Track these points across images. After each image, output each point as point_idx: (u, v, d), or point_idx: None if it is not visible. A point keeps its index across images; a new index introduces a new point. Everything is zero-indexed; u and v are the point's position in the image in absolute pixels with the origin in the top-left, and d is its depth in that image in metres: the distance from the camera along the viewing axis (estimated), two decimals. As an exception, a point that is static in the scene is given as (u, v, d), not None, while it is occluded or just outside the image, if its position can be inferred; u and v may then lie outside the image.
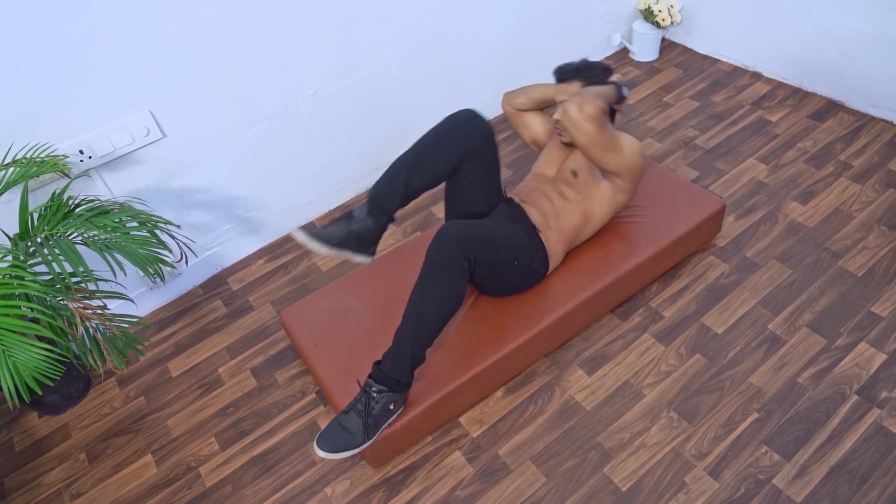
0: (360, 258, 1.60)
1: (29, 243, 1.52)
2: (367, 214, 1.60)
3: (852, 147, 2.32)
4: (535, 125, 2.00)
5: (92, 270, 1.50)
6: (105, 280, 1.74)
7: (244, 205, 2.21)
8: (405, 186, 1.61)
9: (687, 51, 2.96)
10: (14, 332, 1.37)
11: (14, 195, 1.72)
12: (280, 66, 2.00)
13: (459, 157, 1.64)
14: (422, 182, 1.64)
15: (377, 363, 1.53)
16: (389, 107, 2.36)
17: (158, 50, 1.76)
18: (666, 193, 2.00)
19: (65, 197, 1.59)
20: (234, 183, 2.14)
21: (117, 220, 1.58)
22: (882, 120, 2.40)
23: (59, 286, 1.50)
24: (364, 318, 1.82)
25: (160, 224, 1.65)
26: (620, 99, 1.77)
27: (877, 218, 2.06)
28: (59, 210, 1.56)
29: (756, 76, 2.73)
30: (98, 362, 1.55)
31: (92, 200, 1.64)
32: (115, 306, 2.06)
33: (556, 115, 1.70)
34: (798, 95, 2.58)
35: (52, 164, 1.60)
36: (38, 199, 1.76)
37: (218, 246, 2.24)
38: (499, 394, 1.77)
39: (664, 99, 2.70)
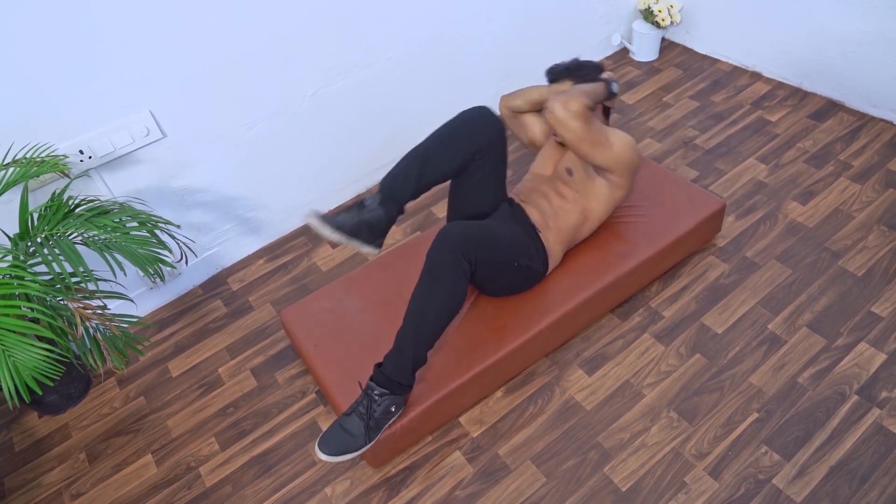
0: (367, 248, 1.59)
1: (29, 243, 1.52)
2: (378, 204, 1.59)
3: (852, 147, 2.32)
4: (532, 127, 2.00)
5: (92, 270, 1.50)
6: (105, 280, 1.74)
7: (244, 205, 2.21)
8: (418, 179, 1.61)
9: (687, 51, 2.96)
10: (14, 332, 1.37)
11: (14, 195, 1.72)
12: (280, 66, 2.00)
13: (471, 153, 1.63)
14: (434, 175, 1.63)
15: (378, 365, 1.53)
16: (389, 107, 2.36)
17: (158, 50, 1.76)
18: (666, 193, 2.00)
19: (65, 197, 1.59)
20: (234, 183, 2.14)
21: (117, 220, 1.58)
22: (882, 120, 2.40)
23: (59, 286, 1.50)
24: (364, 318, 1.82)
25: (160, 224, 1.65)
26: (611, 95, 1.78)
27: (877, 218, 2.06)
28: (59, 210, 1.56)
29: (756, 76, 2.73)
30: (98, 362, 1.55)
31: (92, 200, 1.64)
32: (115, 306, 2.06)
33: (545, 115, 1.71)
34: (798, 95, 2.59)
35: (52, 164, 1.60)
36: (38, 199, 1.76)
37: (218, 246, 2.24)
38: (499, 394, 1.77)
39: (664, 99, 2.70)
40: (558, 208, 1.78)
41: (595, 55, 2.99)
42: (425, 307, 1.50)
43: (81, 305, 1.48)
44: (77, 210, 1.59)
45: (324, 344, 1.77)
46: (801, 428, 1.59)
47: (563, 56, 2.77)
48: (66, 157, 1.70)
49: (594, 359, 1.82)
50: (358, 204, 1.60)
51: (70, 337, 1.51)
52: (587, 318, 1.85)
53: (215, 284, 2.25)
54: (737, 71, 2.78)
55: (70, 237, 1.54)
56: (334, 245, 2.32)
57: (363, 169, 2.44)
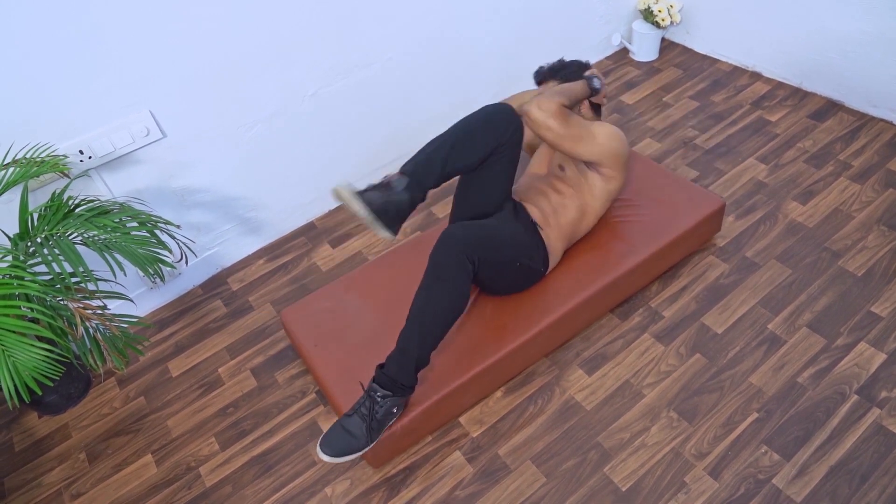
0: (386, 233, 1.55)
1: (29, 243, 1.52)
2: (404, 188, 1.56)
3: (852, 147, 2.32)
4: (527, 130, 2.01)
5: (92, 270, 1.50)
6: (105, 280, 1.74)
7: (244, 205, 2.21)
8: (443, 167, 1.59)
9: (687, 51, 2.96)
10: (14, 332, 1.37)
11: (14, 195, 1.72)
12: (280, 66, 2.00)
13: (494, 147, 1.62)
14: (457, 164, 1.61)
15: (380, 366, 1.53)
16: (389, 107, 2.36)
17: (158, 50, 1.76)
18: (665, 192, 2.00)
19: (65, 197, 1.59)
20: (234, 183, 2.14)
21: (117, 220, 1.58)
22: (882, 120, 2.40)
23: (59, 286, 1.50)
24: (364, 318, 1.82)
25: (160, 224, 1.65)
26: (593, 91, 1.79)
27: (876, 218, 2.06)
28: (59, 210, 1.56)
29: (756, 76, 2.73)
30: (98, 362, 1.55)
31: (92, 200, 1.64)
32: (115, 306, 2.06)
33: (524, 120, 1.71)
34: (798, 95, 2.59)
35: (52, 164, 1.60)
36: (38, 199, 1.76)
37: (218, 246, 2.24)
38: (499, 394, 1.78)
39: (664, 99, 2.70)
40: (557, 205, 1.79)
41: (595, 55, 2.99)
42: (429, 308, 1.50)
43: (81, 305, 1.48)
44: (77, 210, 1.59)
45: (324, 344, 1.78)
46: (800, 428, 1.59)
47: (564, 56, 2.76)
48: (66, 157, 1.70)
49: (594, 359, 1.82)
50: (385, 185, 1.57)
51: (70, 337, 1.51)
52: (587, 318, 1.85)
53: (215, 284, 2.25)
54: (737, 71, 2.78)
55: (70, 237, 1.54)
56: (335, 245, 2.32)
57: (363, 169, 2.44)
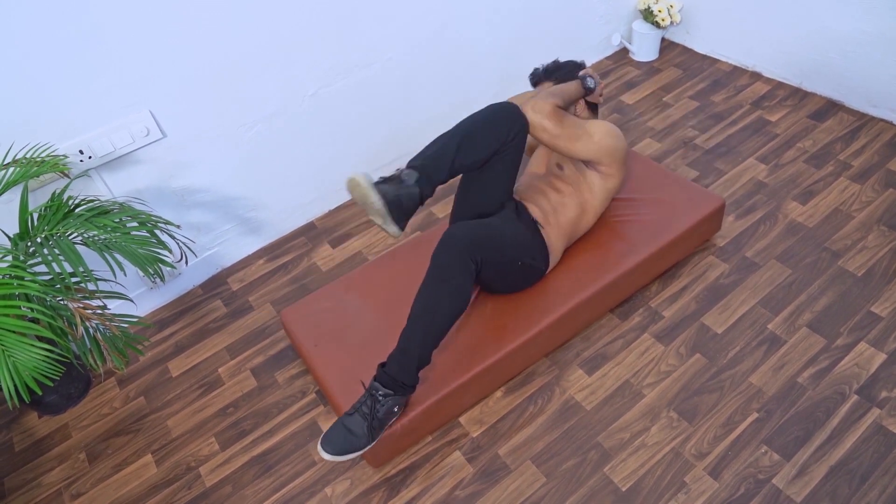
0: (394, 228, 1.54)
1: (29, 243, 1.52)
2: (415, 182, 1.55)
3: (852, 147, 2.32)
4: None
5: (92, 270, 1.50)
6: (105, 280, 1.74)
7: (244, 205, 2.21)
8: (451, 163, 1.58)
9: (687, 51, 2.96)
10: (14, 332, 1.37)
11: (14, 195, 1.72)
12: (280, 66, 2.00)
13: (500, 145, 1.62)
14: (466, 160, 1.60)
15: (382, 365, 1.53)
16: (389, 107, 2.36)
17: (158, 50, 1.76)
18: (665, 192, 2.00)
19: (65, 197, 1.59)
20: (234, 183, 2.14)
21: (117, 220, 1.58)
22: (882, 120, 2.40)
23: (59, 286, 1.50)
24: (364, 317, 1.82)
25: (160, 224, 1.65)
26: (587, 91, 1.80)
27: (876, 218, 2.06)
28: (59, 210, 1.56)
29: (756, 76, 2.73)
30: (98, 362, 1.55)
31: (92, 200, 1.64)
32: (115, 306, 2.06)
33: None
34: (798, 95, 2.59)
35: (52, 164, 1.60)
36: (38, 199, 1.76)
37: (218, 246, 2.24)
38: (499, 394, 1.78)
39: (664, 99, 2.70)
40: (557, 204, 1.79)
41: (595, 55, 2.99)
42: (432, 308, 1.50)
43: (81, 305, 1.48)
44: (77, 210, 1.59)
45: (324, 344, 1.78)
46: (800, 428, 1.59)
47: (563, 56, 2.77)
48: (66, 157, 1.71)
49: (594, 359, 1.82)
50: (395, 178, 1.55)
51: (70, 337, 1.51)
52: (587, 318, 1.85)
53: (215, 284, 2.25)
54: (737, 71, 2.78)
55: (70, 237, 1.54)
56: (335, 245, 2.32)
57: (363, 169, 2.44)
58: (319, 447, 1.46)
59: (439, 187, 1.83)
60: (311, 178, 2.32)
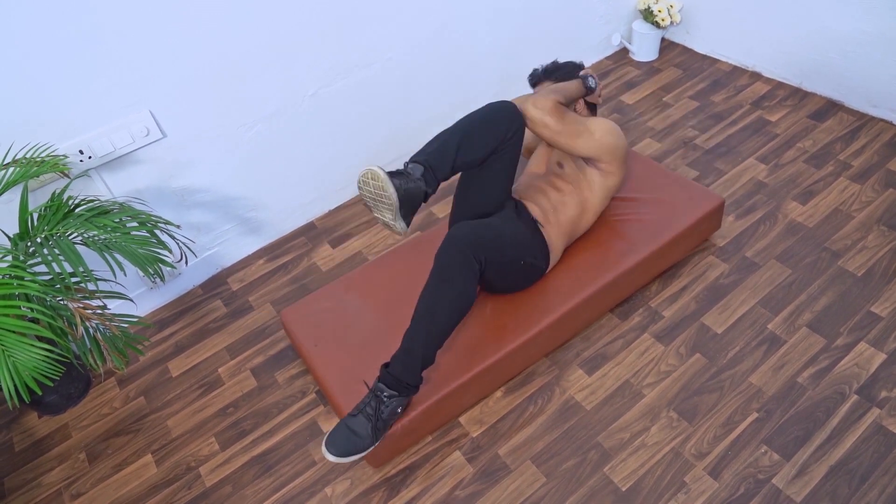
0: (402, 224, 1.54)
1: (29, 243, 1.52)
2: (421, 175, 1.54)
3: (852, 147, 2.32)
4: (526, 131, 2.01)
5: (92, 270, 1.50)
6: (105, 280, 1.74)
7: (244, 205, 2.21)
8: (453, 160, 1.58)
9: (687, 51, 2.96)
10: (14, 332, 1.37)
11: (14, 195, 1.72)
12: (280, 66, 2.00)
13: (499, 142, 1.62)
14: (467, 157, 1.60)
15: (385, 366, 1.53)
16: (389, 107, 2.36)
17: (158, 50, 1.76)
18: (664, 191, 2.00)
19: (65, 197, 1.59)
20: (234, 183, 2.14)
21: (117, 220, 1.58)
22: (882, 120, 2.40)
23: (58, 286, 1.50)
24: (364, 317, 1.82)
25: (160, 224, 1.65)
26: (588, 90, 1.81)
27: (876, 218, 2.06)
28: (59, 210, 1.56)
29: (756, 76, 2.73)
30: (98, 362, 1.55)
31: (92, 200, 1.64)
32: (115, 306, 2.06)
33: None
34: (798, 95, 2.59)
35: (52, 164, 1.60)
36: (38, 199, 1.76)
37: (218, 246, 2.24)
38: (499, 394, 1.78)
39: (664, 99, 2.70)
40: (557, 202, 1.79)
41: (595, 55, 2.99)
42: (435, 308, 1.50)
43: (81, 305, 1.48)
44: (77, 210, 1.59)
45: (324, 344, 1.78)
46: (800, 428, 1.59)
47: (563, 56, 2.77)
48: (66, 157, 1.71)
49: (594, 359, 1.82)
50: (403, 172, 1.54)
51: (70, 337, 1.51)
52: (587, 318, 1.85)
53: (215, 284, 2.25)
54: (737, 71, 2.78)
55: (70, 237, 1.54)
56: (335, 245, 2.32)
57: (363, 168, 2.44)
58: (323, 449, 1.46)
59: (439, 186, 1.82)
60: (311, 178, 2.32)
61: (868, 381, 1.66)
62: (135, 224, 1.62)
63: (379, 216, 1.55)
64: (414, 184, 1.52)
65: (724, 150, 2.40)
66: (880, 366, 1.68)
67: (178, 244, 1.83)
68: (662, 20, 2.76)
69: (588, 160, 1.78)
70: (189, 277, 2.23)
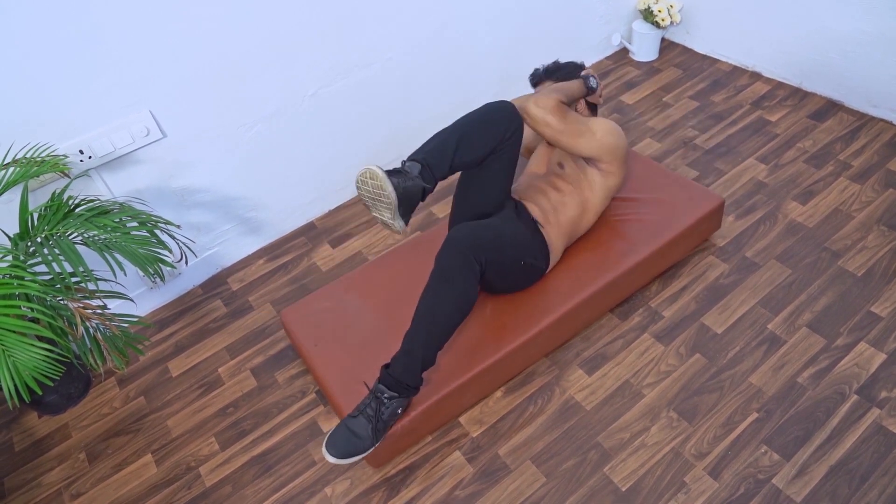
0: (400, 223, 1.53)
1: (29, 243, 1.52)
2: (419, 173, 1.53)
3: (852, 147, 2.32)
4: (525, 131, 2.01)
5: (92, 270, 1.50)
6: (105, 280, 1.74)
7: (244, 205, 2.21)
8: (451, 159, 1.57)
9: (686, 51, 2.96)
10: (14, 332, 1.37)
11: (14, 195, 1.72)
12: (280, 66, 2.00)
13: (498, 142, 1.61)
14: (465, 157, 1.59)
15: (386, 367, 1.52)
16: (389, 107, 2.36)
17: (158, 50, 1.76)
18: (664, 191, 2.00)
19: (65, 197, 1.59)
20: (234, 183, 2.14)
21: (117, 220, 1.58)
22: (882, 120, 2.40)
23: (59, 286, 1.50)
24: (364, 318, 1.82)
25: (160, 224, 1.65)
26: (589, 90, 1.82)
27: (876, 218, 2.06)
28: (59, 210, 1.56)
29: (756, 76, 2.73)
30: (98, 362, 1.55)
31: (92, 200, 1.64)
32: (115, 306, 2.06)
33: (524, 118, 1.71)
34: (798, 95, 2.59)
35: (52, 164, 1.60)
36: (38, 199, 1.76)
37: (218, 246, 2.24)
38: (499, 394, 1.78)
39: (664, 99, 2.70)
40: (557, 203, 1.79)
41: (595, 55, 2.99)
42: (436, 309, 1.50)
43: (81, 305, 1.48)
44: (77, 210, 1.59)
45: (324, 344, 1.78)
46: (800, 428, 1.59)
47: (563, 56, 2.77)
48: (66, 157, 1.71)
49: (594, 359, 1.82)
50: (401, 170, 1.54)
51: (70, 337, 1.51)
52: (587, 318, 1.85)
53: (215, 284, 2.25)
54: (737, 71, 2.78)
55: (70, 237, 1.54)
56: (335, 245, 2.32)
57: (363, 167, 2.44)
58: (324, 450, 1.46)
59: (438, 186, 1.82)
60: (311, 178, 2.32)
61: (868, 381, 1.66)
62: (135, 224, 1.62)
63: (377, 215, 1.55)
64: (412, 182, 1.52)
65: (724, 150, 2.40)
66: (880, 366, 1.68)
67: (178, 244, 1.83)
68: (662, 20, 2.77)
69: (589, 160, 1.78)
70: (189, 277, 2.23)
